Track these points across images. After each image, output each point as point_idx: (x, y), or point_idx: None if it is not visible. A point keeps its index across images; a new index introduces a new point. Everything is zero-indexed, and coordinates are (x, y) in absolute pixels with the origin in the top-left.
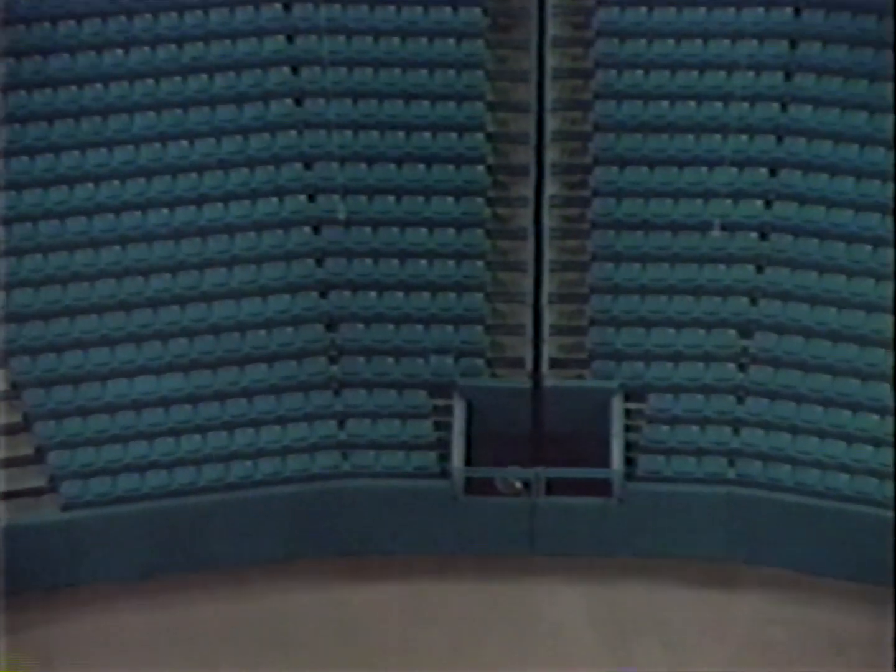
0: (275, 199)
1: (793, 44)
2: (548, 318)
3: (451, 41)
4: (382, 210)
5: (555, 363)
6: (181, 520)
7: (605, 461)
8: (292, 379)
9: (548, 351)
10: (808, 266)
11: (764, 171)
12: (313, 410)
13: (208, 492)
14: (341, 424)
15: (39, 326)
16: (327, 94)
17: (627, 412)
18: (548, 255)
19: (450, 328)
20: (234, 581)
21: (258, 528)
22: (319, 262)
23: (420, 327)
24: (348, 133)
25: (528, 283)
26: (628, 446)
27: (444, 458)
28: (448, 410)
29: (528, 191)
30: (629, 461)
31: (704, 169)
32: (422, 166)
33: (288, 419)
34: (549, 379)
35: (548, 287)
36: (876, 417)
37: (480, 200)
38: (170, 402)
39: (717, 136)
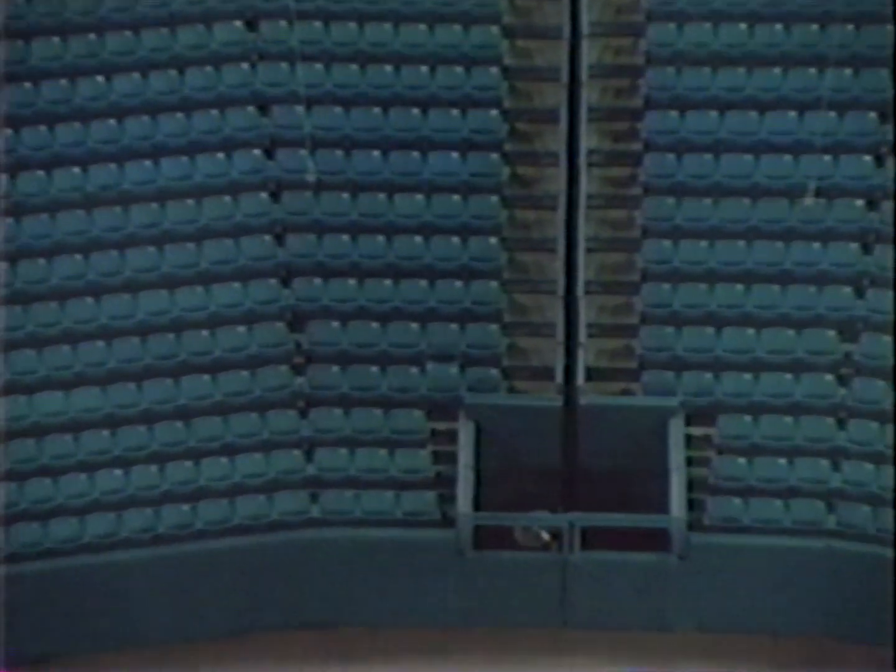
0: (220, 155)
1: None
2: (584, 313)
3: None
4: (364, 169)
5: (594, 374)
6: (96, 582)
7: (660, 505)
8: (244, 395)
9: (584, 357)
10: None
11: (873, 115)
12: (272, 436)
13: (132, 545)
14: (309, 455)
15: None
16: (289, 15)
17: (690, 439)
18: (584, 229)
19: (454, 327)
20: (166, 662)
21: (199, 593)
22: (279, 239)
23: (414, 326)
24: (318, 66)
25: (557, 266)
26: (692, 485)
27: (447, 499)
28: (451, 436)
29: (559, 144)
30: (693, 505)
31: (793, 114)
32: (416, 111)
33: (238, 448)
34: (587, 395)
35: (584, 273)
36: None
37: (495, 156)
38: (81, 426)
39: (812, 70)
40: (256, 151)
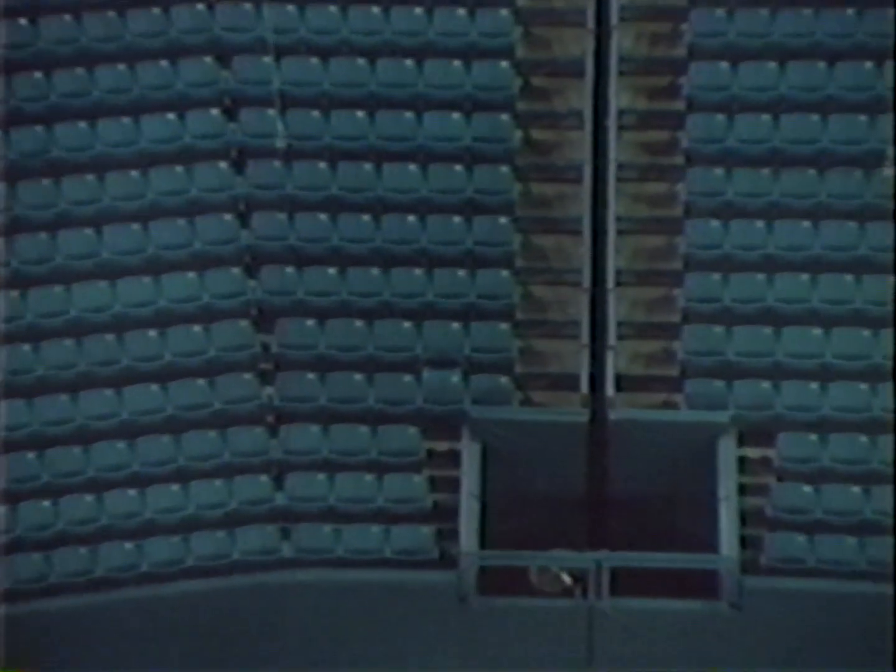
0: (170, 115)
1: None
2: (614, 309)
3: None
4: (345, 133)
5: (627, 383)
6: (18, 635)
7: (708, 542)
8: (201, 408)
9: (615, 363)
10: None
11: None
12: (234, 459)
13: (64, 591)
14: (279, 481)
15: None
16: None
17: (744, 462)
18: (614, 206)
19: (455, 326)
20: None
21: (146, 647)
22: (243, 219)
23: (407, 325)
24: (289, 8)
25: (582, 253)
26: (746, 518)
27: (447, 535)
28: (453, 458)
29: (583, 101)
30: (747, 542)
31: (869, 64)
32: (409, 62)
33: (193, 473)
34: (618, 408)
35: (615, 260)
36: None
37: (506, 117)
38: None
39: (891, 12)
40: (214, 111)
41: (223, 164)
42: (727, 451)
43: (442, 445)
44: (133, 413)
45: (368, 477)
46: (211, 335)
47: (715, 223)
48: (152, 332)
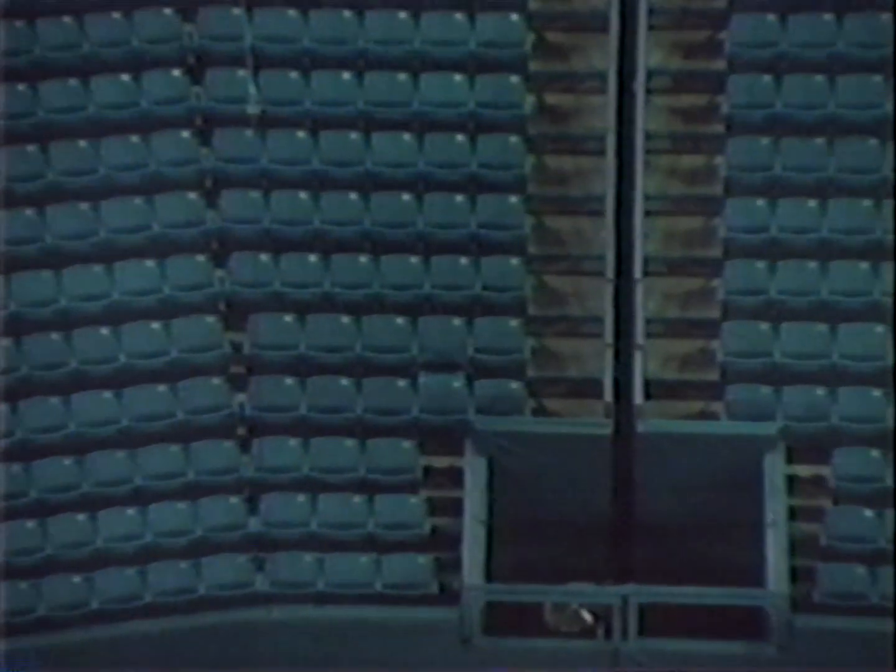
0: (124, 77)
1: None
2: (643, 303)
3: None
4: (329, 98)
5: (657, 389)
6: None
7: (752, 574)
8: (161, 419)
9: (644, 366)
10: None
11: None
12: (200, 478)
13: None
14: (252, 504)
15: None
16: None
17: (794, 482)
18: (642, 183)
19: (458, 322)
20: None
21: None
22: (210, 198)
23: (402, 321)
24: None
25: (605, 237)
26: (797, 547)
27: (447, 566)
28: (455, 476)
29: (607, 61)
30: (798, 575)
31: None
32: (404, 15)
33: (152, 495)
34: (647, 419)
35: (642, 246)
36: None
37: (516, 79)
38: None
39: None
40: (176, 72)
41: (186, 134)
42: (775, 468)
43: (442, 462)
44: (82, 425)
45: (356, 498)
46: (172, 334)
47: (760, 202)
48: (104, 330)
